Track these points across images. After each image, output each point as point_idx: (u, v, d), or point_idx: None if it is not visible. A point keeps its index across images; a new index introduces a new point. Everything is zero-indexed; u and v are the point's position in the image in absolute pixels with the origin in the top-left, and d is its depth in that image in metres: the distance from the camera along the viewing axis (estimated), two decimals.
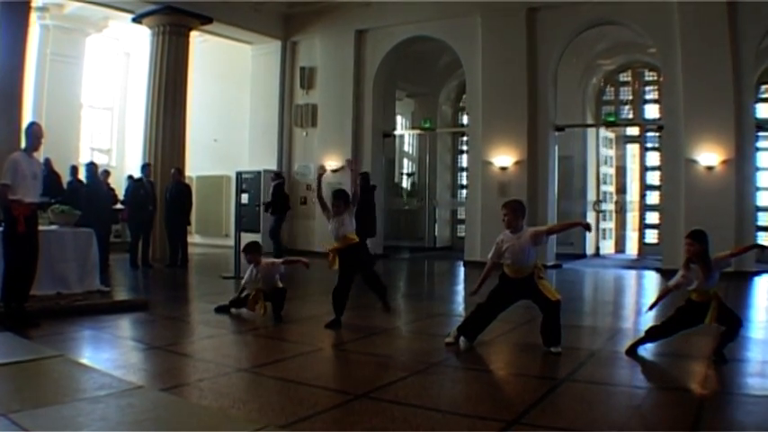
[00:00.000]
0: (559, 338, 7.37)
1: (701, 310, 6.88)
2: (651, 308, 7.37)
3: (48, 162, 15.54)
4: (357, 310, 10.34)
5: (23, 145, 8.61)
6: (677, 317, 7.10)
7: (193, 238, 17.92)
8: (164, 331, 8.65)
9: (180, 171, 17.34)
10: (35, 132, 8.59)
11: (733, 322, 6.95)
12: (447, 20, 19.25)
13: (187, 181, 18.21)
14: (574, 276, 16.87)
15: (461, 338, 7.64)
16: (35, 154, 8.68)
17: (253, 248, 9.73)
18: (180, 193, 16.74)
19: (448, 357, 7.25)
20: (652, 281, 15.56)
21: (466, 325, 7.70)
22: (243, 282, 9.81)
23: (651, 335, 7.19)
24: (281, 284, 9.55)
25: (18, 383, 5.56)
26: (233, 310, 9.68)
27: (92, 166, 16.13)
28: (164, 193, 17.01)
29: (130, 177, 17.61)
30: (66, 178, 16.27)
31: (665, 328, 7.16)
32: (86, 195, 15.06)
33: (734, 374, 6.61)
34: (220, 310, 9.67)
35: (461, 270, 17.66)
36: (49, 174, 14.90)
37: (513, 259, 7.38)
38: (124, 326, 8.72)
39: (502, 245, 7.48)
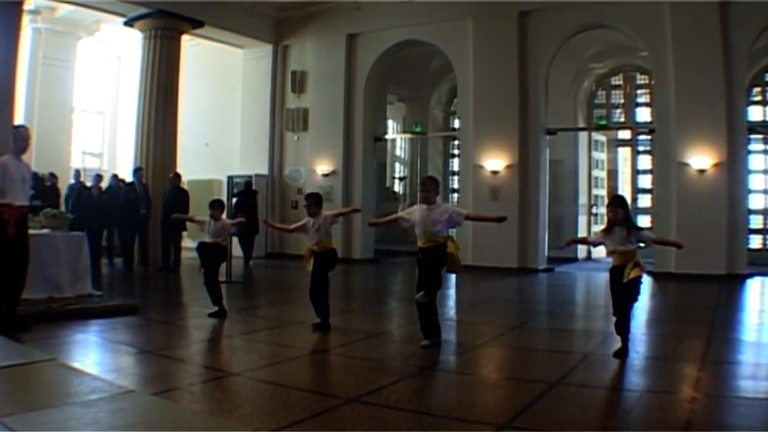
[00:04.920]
0: (431, 330, 7.79)
1: (620, 271, 7.29)
2: (567, 244, 8.16)
3: (43, 177, 15.83)
4: (347, 314, 10.36)
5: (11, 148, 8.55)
6: (611, 288, 7.47)
7: (185, 242, 17.90)
8: (155, 335, 8.65)
9: (178, 176, 17.36)
10: (22, 135, 8.53)
11: (628, 298, 7.35)
12: (438, 23, 19.25)
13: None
14: (566, 280, 16.91)
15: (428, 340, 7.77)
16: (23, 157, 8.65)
17: (218, 204, 10.39)
18: (177, 197, 16.74)
19: (439, 361, 7.26)
20: (643, 284, 15.54)
21: (422, 327, 7.85)
22: (203, 225, 10.22)
23: (618, 323, 7.38)
24: (224, 243, 10.51)
25: (9, 387, 5.54)
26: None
27: (77, 173, 16.66)
28: (162, 197, 16.96)
29: (114, 177, 17.69)
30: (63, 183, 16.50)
31: (614, 307, 7.44)
32: (75, 201, 15.28)
33: (726, 377, 6.63)
34: (214, 315, 9.70)
35: (453, 274, 17.62)
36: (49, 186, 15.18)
37: (424, 228, 7.77)
38: (116, 330, 8.68)
39: (411, 214, 8.01)
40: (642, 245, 7.43)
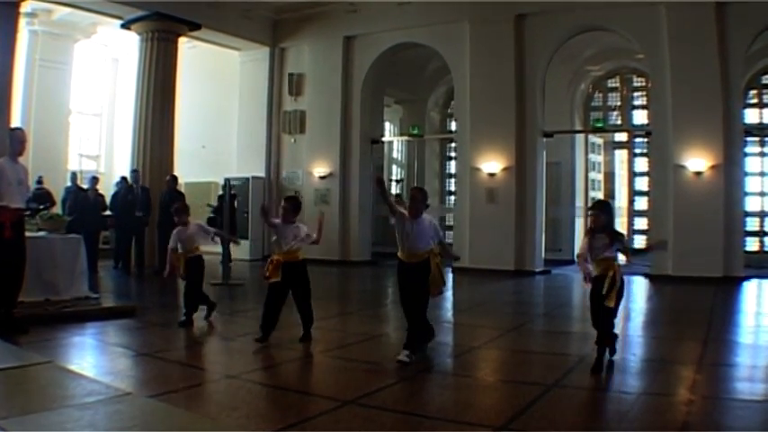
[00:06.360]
0: (414, 345, 7.19)
1: (601, 282, 6.89)
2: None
3: (40, 180, 15.89)
4: (344, 317, 10.37)
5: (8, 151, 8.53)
6: (591, 298, 7.04)
7: None
8: (152, 338, 8.63)
9: (175, 178, 17.34)
10: (18, 137, 8.53)
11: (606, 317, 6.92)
12: (435, 26, 19.26)
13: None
14: (563, 282, 16.90)
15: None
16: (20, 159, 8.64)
17: (183, 210, 9.80)
18: (174, 200, 16.72)
19: (436, 364, 7.27)
20: (640, 286, 15.59)
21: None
22: (170, 244, 9.63)
23: (601, 335, 6.96)
24: (200, 251, 9.72)
25: (6, 390, 5.52)
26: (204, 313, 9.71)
27: (74, 176, 17.43)
28: (158, 199, 16.97)
29: (124, 180, 17.76)
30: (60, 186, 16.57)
31: (593, 317, 7.03)
32: (71, 203, 15.38)
33: (722, 379, 6.64)
34: (182, 324, 9.33)
35: (449, 276, 17.63)
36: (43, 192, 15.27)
37: (409, 244, 7.27)
38: (113, 332, 8.68)
39: (404, 219, 7.30)
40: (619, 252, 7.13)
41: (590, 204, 7.46)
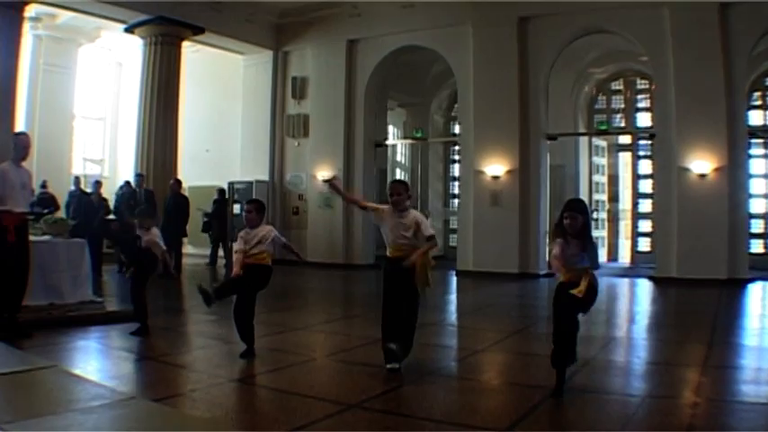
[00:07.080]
0: (409, 349, 6.96)
1: (573, 288, 5.90)
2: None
3: (44, 184, 15.93)
4: (348, 320, 10.35)
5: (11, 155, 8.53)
6: (557, 306, 6.10)
7: (186, 249, 17.91)
8: (156, 342, 8.61)
9: (179, 182, 17.41)
10: (22, 142, 8.54)
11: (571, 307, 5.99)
12: (438, 29, 19.23)
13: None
14: None
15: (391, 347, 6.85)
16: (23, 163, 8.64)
17: (146, 213, 9.55)
18: (177, 204, 16.75)
19: (440, 367, 7.26)
20: (645, 289, 15.58)
21: (384, 333, 6.99)
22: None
23: (557, 355, 5.99)
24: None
25: (11, 394, 5.53)
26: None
27: (77, 180, 17.61)
28: (162, 203, 16.97)
29: (128, 184, 17.78)
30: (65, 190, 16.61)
31: (558, 328, 6.06)
32: (75, 207, 15.42)
33: (727, 381, 6.62)
34: (136, 333, 8.81)
35: (454, 279, 17.64)
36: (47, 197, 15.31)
37: (393, 237, 7.00)
38: (117, 336, 8.67)
39: (383, 214, 7.12)
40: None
41: (565, 204, 6.18)
